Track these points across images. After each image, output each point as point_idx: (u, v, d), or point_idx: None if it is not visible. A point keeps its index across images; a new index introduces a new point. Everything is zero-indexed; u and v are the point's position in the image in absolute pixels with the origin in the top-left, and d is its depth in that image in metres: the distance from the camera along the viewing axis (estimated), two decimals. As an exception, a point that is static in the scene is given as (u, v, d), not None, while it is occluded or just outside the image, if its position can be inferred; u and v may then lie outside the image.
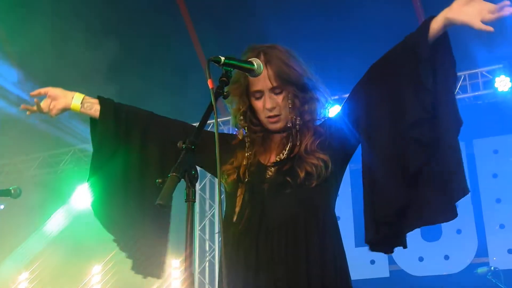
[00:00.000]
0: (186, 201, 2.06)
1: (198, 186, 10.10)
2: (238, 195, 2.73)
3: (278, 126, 2.82)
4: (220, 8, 9.54)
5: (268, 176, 2.75)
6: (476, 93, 8.82)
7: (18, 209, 9.67)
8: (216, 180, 9.99)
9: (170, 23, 9.95)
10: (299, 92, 2.80)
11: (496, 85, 8.47)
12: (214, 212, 10.18)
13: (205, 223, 10.17)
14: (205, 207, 10.32)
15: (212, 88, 2.28)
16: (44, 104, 3.05)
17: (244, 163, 2.79)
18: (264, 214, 2.68)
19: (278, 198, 2.69)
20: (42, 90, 3.04)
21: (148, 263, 2.92)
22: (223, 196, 2.93)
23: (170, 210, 2.86)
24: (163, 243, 2.92)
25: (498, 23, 7.65)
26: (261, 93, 2.80)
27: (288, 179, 2.68)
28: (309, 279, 2.59)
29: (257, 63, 2.54)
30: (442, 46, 2.63)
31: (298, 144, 2.76)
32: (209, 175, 10.22)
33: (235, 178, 2.77)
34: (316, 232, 2.67)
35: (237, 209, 2.71)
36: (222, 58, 2.39)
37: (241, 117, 2.86)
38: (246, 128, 2.87)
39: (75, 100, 3.03)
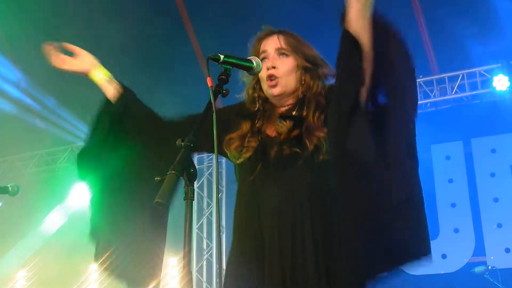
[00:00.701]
0: (184, 199, 2.07)
1: (196, 184, 10.05)
2: (244, 155, 2.68)
3: (276, 90, 2.73)
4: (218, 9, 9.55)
5: (276, 142, 2.67)
6: (474, 92, 8.82)
7: (15, 207, 9.66)
8: (214, 179, 9.99)
9: (169, 22, 9.97)
10: (309, 65, 2.76)
11: (494, 84, 8.46)
12: (212, 210, 10.17)
13: (203, 221, 10.16)
14: (203, 205, 10.31)
15: (211, 86, 2.28)
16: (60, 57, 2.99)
17: (255, 129, 2.73)
18: (274, 185, 2.61)
19: (288, 169, 2.61)
20: (77, 49, 3.00)
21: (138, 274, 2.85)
22: (221, 194, 2.91)
23: (167, 214, 2.80)
24: (157, 255, 2.85)
25: (497, 22, 7.66)
26: (266, 53, 2.77)
27: (298, 150, 2.59)
28: (317, 261, 2.50)
29: (256, 61, 2.54)
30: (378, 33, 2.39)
31: (305, 115, 2.68)
32: (207, 173, 10.23)
33: (239, 145, 2.72)
34: (327, 212, 2.56)
35: (245, 156, 2.67)
36: (221, 56, 2.40)
37: (252, 90, 2.83)
38: (258, 99, 2.82)
39: (100, 70, 3.00)
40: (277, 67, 2.72)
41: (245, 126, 2.78)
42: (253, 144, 2.68)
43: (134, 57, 9.76)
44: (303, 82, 2.74)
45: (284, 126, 2.68)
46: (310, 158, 2.58)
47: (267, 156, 2.65)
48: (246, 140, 2.70)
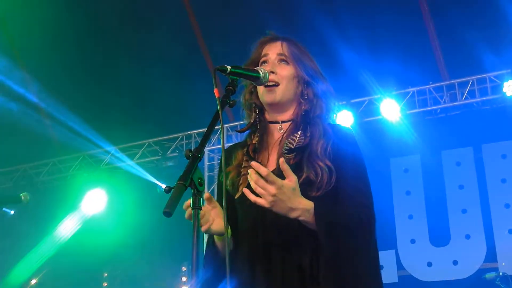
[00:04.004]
0: (192, 209, 2.10)
1: (207, 192, 10.12)
2: (240, 183, 2.59)
3: (273, 97, 2.63)
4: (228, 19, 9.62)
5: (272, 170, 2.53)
6: (484, 98, 8.81)
7: (28, 215, 9.73)
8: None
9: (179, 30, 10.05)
10: (309, 78, 2.69)
11: (504, 90, 8.43)
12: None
13: (214, 228, 10.16)
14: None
15: (219, 97, 2.31)
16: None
17: (246, 161, 2.64)
18: (264, 220, 2.53)
19: None
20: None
21: None
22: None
23: None
24: None
25: (507, 28, 7.64)
26: (267, 57, 2.72)
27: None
28: None
29: (262, 72, 2.56)
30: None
31: (308, 135, 2.59)
32: (217, 180, 10.25)
33: (234, 175, 2.65)
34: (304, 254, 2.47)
35: (241, 189, 2.57)
36: (228, 67, 2.42)
37: (249, 95, 2.76)
38: (254, 107, 2.74)
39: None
40: (276, 72, 2.64)
41: (241, 155, 2.70)
42: (247, 171, 2.51)
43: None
44: (305, 97, 2.69)
45: (288, 157, 2.55)
46: (302, 193, 2.40)
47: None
48: (242, 168, 2.62)
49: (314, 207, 2.37)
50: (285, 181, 2.30)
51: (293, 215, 2.35)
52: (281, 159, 2.30)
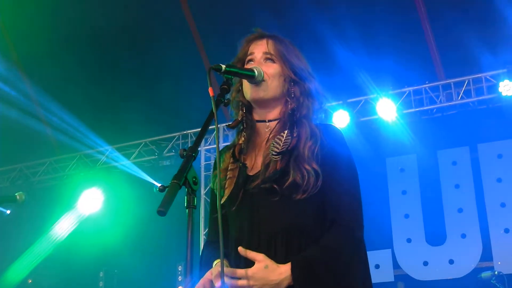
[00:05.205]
0: (186, 208, 2.09)
1: (203, 191, 10.12)
2: (226, 187, 2.58)
3: (259, 94, 2.59)
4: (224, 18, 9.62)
5: (257, 175, 2.54)
6: (480, 98, 8.82)
7: (24, 215, 9.72)
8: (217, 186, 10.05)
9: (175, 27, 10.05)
10: (295, 77, 2.63)
11: (500, 89, 8.43)
12: (219, 216, 10.15)
13: (210, 227, 10.15)
14: (211, 212, 10.31)
15: (213, 96, 2.30)
16: None
17: (232, 163, 2.64)
18: (249, 222, 2.52)
19: (263, 206, 2.50)
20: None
21: None
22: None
23: None
24: None
25: (502, 28, 7.65)
26: (253, 56, 2.67)
27: (276, 186, 2.46)
28: None
29: (257, 70, 2.54)
30: None
31: (295, 135, 2.55)
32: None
33: (221, 178, 2.61)
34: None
35: (226, 192, 2.58)
36: (223, 66, 2.41)
37: (236, 93, 2.72)
38: (241, 105, 2.71)
39: None
40: (263, 70, 2.60)
41: (229, 157, 2.68)
42: (233, 174, 2.59)
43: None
44: (292, 95, 2.63)
45: (275, 159, 2.52)
46: (287, 196, 2.45)
47: (247, 189, 2.53)
48: (228, 172, 2.61)
49: (290, 273, 2.35)
50: (254, 267, 2.33)
51: (283, 286, 2.35)
52: (240, 248, 2.38)
